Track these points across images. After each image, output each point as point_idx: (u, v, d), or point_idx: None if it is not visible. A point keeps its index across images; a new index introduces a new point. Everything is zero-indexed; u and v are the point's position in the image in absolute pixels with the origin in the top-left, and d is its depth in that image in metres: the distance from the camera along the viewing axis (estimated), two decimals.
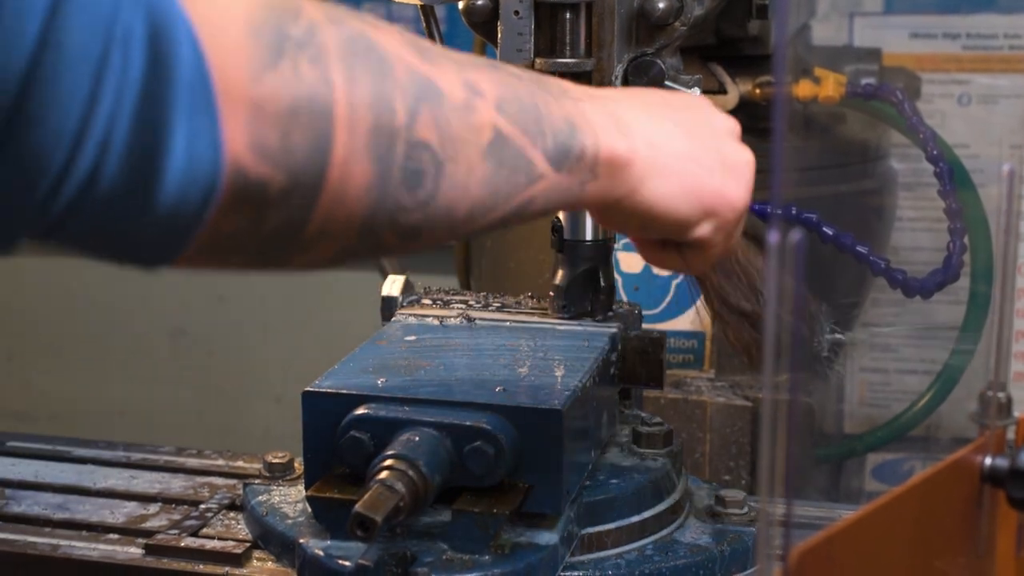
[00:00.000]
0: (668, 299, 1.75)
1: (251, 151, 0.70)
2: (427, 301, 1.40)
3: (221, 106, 0.68)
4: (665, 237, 1.00)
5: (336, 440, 1.12)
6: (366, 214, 0.76)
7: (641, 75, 1.28)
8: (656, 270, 1.74)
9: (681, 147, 0.95)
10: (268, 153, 0.71)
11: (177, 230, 0.70)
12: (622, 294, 1.75)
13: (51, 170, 0.65)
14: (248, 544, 1.26)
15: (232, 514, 1.33)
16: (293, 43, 0.72)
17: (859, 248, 1.53)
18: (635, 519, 1.21)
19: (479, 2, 1.29)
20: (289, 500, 1.28)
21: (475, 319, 1.36)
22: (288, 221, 0.74)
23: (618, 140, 0.90)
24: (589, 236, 1.36)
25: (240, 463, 1.48)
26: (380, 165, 0.76)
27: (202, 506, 1.35)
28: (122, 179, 0.67)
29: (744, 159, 1.00)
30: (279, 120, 0.71)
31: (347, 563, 1.08)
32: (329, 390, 1.16)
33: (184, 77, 0.66)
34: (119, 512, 1.36)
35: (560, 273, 1.37)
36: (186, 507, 1.36)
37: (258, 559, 1.25)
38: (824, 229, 1.51)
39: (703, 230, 0.98)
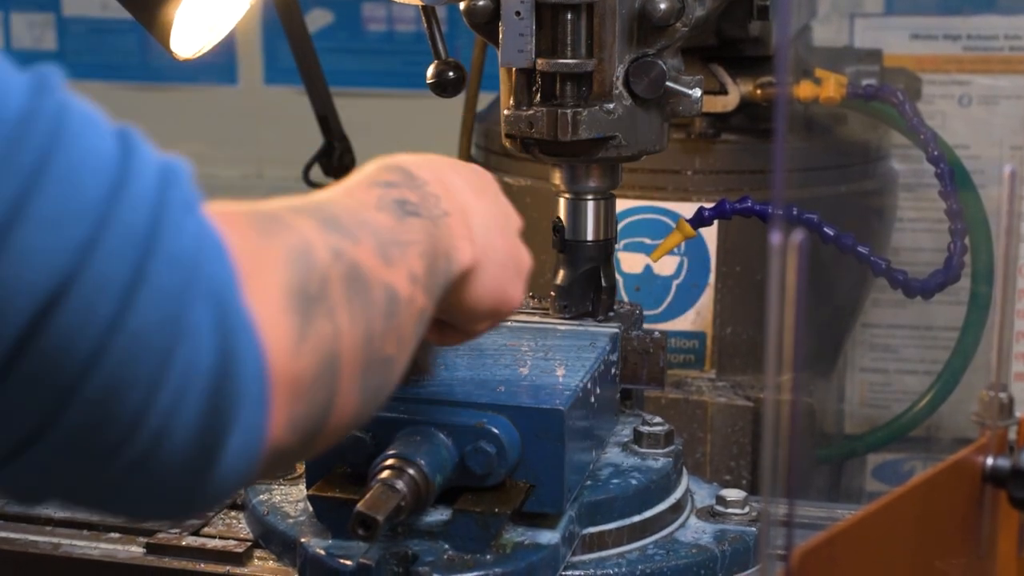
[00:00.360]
0: (669, 299, 1.75)
1: (287, 429, 0.73)
2: None
3: (272, 394, 0.70)
4: (456, 325, 1.02)
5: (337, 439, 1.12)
6: (347, 428, 0.83)
7: (642, 76, 1.28)
8: (657, 270, 1.74)
9: (500, 254, 0.99)
10: (298, 426, 0.74)
11: (207, 500, 0.73)
12: (623, 294, 1.75)
13: (111, 450, 0.66)
14: (249, 543, 1.26)
15: (233, 513, 1.33)
16: (314, 302, 0.74)
17: (860, 249, 1.53)
18: (636, 519, 1.21)
19: (480, 2, 1.29)
20: (290, 499, 1.28)
21: None
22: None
23: (468, 253, 0.94)
24: (590, 236, 1.36)
25: None
26: (365, 393, 0.81)
27: None
28: (178, 467, 0.68)
29: (528, 261, 1.05)
30: (308, 392, 0.74)
31: (348, 562, 1.08)
32: None
33: (249, 373, 0.68)
34: None
35: (561, 273, 1.37)
36: None
37: (259, 558, 1.25)
38: (825, 230, 1.51)
39: (482, 326, 1.03)
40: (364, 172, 0.92)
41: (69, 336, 0.62)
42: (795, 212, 1.52)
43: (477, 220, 0.96)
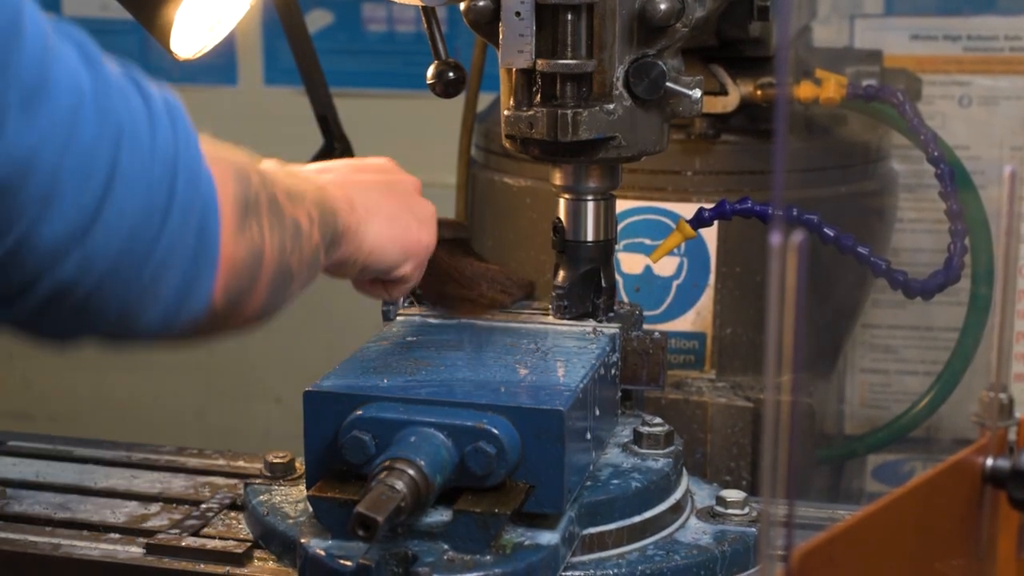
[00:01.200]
0: (669, 300, 1.75)
1: (223, 292, 0.99)
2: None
3: (220, 260, 0.97)
4: (377, 277, 1.25)
5: (337, 440, 1.13)
6: (255, 318, 1.07)
7: (642, 76, 1.28)
8: (657, 271, 1.74)
9: (388, 210, 1.22)
10: (230, 295, 1.00)
11: (165, 331, 0.99)
12: (623, 295, 1.75)
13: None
14: (249, 544, 1.26)
15: (233, 514, 1.34)
16: (250, 210, 1.00)
17: (860, 249, 1.53)
18: (636, 519, 1.21)
19: (480, 3, 1.29)
20: (290, 500, 1.28)
21: (476, 320, 1.36)
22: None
23: (351, 216, 1.16)
24: (590, 237, 1.36)
25: (241, 463, 1.48)
26: (273, 293, 1.05)
27: (203, 506, 1.35)
28: (172, 291, 0.96)
29: (429, 211, 1.27)
30: (239, 271, 1.00)
31: (348, 563, 1.08)
32: (331, 390, 1.16)
33: (211, 241, 0.96)
34: (120, 512, 1.36)
35: (561, 274, 1.37)
36: (187, 507, 1.36)
37: (259, 559, 1.25)
38: (825, 230, 1.51)
39: (405, 268, 1.23)
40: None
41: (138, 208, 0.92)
42: (795, 213, 1.52)
43: (353, 190, 1.19)
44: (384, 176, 1.27)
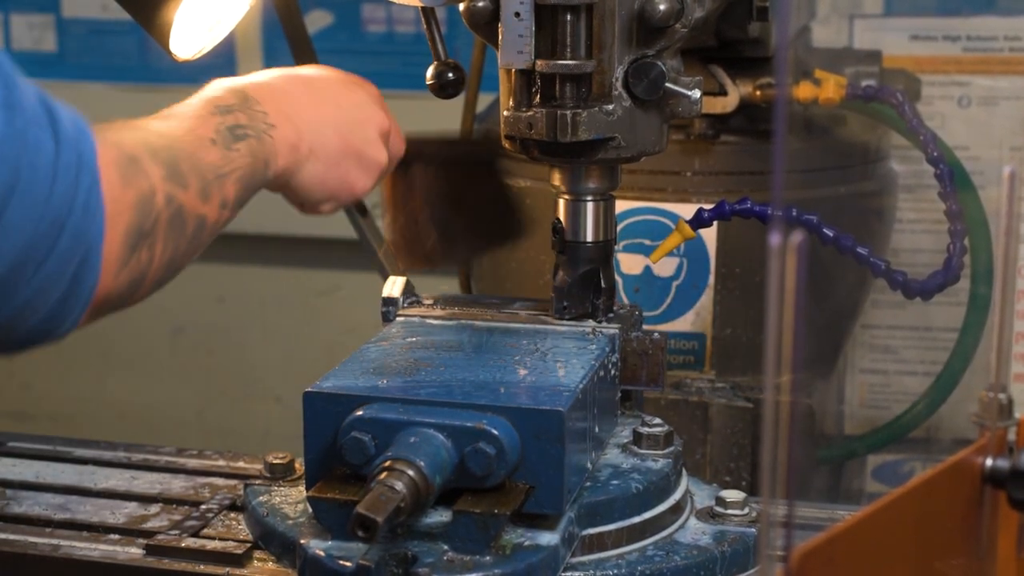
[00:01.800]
0: (669, 300, 1.75)
1: (94, 317, 1.04)
2: (427, 303, 1.41)
3: (92, 302, 1.02)
4: (301, 207, 1.30)
5: (337, 441, 1.13)
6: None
7: (641, 77, 1.28)
8: (657, 271, 1.74)
9: (331, 151, 1.25)
10: (103, 313, 1.06)
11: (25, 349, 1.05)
12: (623, 295, 1.75)
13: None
14: (249, 545, 1.26)
15: (233, 515, 1.34)
16: (143, 238, 1.04)
17: (859, 250, 1.53)
18: (636, 520, 1.21)
19: (480, 4, 1.29)
20: (290, 501, 1.28)
21: (476, 320, 1.36)
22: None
23: (289, 157, 1.20)
24: (590, 237, 1.36)
25: (241, 464, 1.48)
26: (159, 286, 1.10)
27: (203, 507, 1.35)
28: (50, 308, 1.00)
29: (377, 160, 1.30)
30: (113, 302, 1.05)
31: (348, 563, 1.08)
32: (330, 391, 1.16)
33: (87, 287, 1.00)
34: (120, 512, 1.36)
35: (561, 274, 1.37)
36: (187, 508, 1.36)
37: (259, 559, 1.25)
38: (824, 231, 1.51)
39: (325, 207, 1.29)
40: (211, 92, 1.19)
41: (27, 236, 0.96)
42: (794, 213, 1.52)
43: (307, 127, 1.23)
44: (343, 114, 1.28)
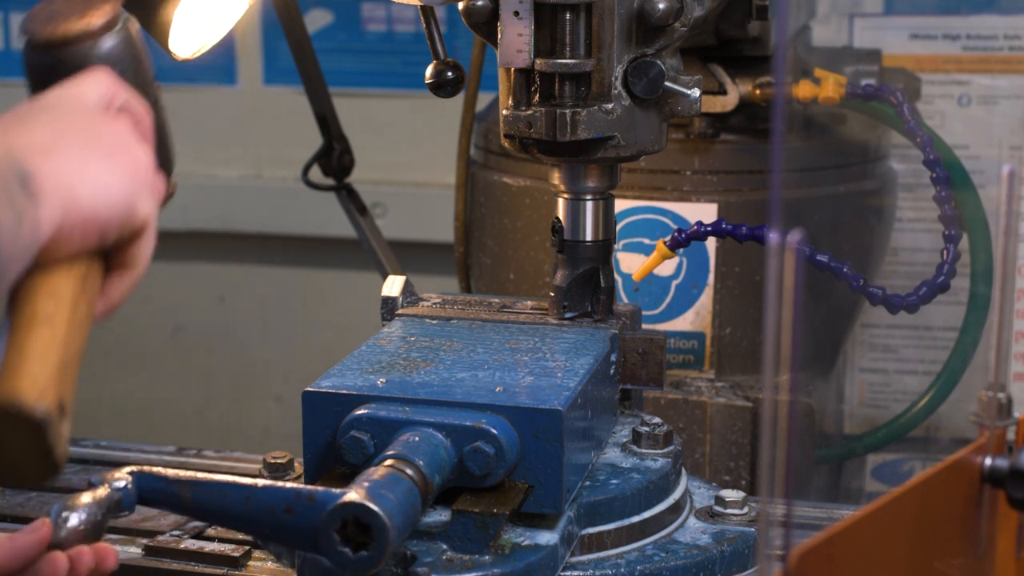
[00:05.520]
0: (668, 300, 1.75)
1: None
2: (427, 302, 1.41)
3: None
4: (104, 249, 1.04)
5: (336, 440, 1.13)
6: None
7: (641, 76, 1.28)
8: (656, 270, 1.74)
9: (77, 135, 0.98)
10: None
11: None
12: (622, 295, 1.75)
13: None
14: (247, 546, 1.26)
15: None
16: None
17: (834, 264, 1.52)
18: (635, 519, 1.21)
19: (479, 2, 1.29)
20: None
21: (475, 319, 1.36)
22: None
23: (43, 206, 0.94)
24: (589, 236, 1.36)
25: (240, 463, 1.48)
26: None
27: None
28: None
29: (120, 132, 1.03)
30: None
31: None
32: (329, 390, 1.16)
33: None
34: None
35: (560, 274, 1.37)
36: None
37: (257, 559, 1.25)
38: (818, 258, 1.51)
39: (142, 206, 1.01)
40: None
41: None
42: (744, 231, 1.51)
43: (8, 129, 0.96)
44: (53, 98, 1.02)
